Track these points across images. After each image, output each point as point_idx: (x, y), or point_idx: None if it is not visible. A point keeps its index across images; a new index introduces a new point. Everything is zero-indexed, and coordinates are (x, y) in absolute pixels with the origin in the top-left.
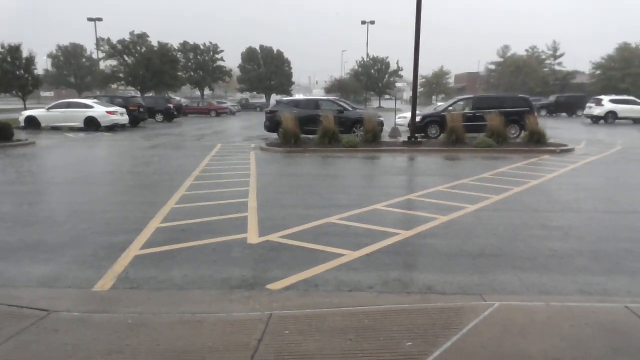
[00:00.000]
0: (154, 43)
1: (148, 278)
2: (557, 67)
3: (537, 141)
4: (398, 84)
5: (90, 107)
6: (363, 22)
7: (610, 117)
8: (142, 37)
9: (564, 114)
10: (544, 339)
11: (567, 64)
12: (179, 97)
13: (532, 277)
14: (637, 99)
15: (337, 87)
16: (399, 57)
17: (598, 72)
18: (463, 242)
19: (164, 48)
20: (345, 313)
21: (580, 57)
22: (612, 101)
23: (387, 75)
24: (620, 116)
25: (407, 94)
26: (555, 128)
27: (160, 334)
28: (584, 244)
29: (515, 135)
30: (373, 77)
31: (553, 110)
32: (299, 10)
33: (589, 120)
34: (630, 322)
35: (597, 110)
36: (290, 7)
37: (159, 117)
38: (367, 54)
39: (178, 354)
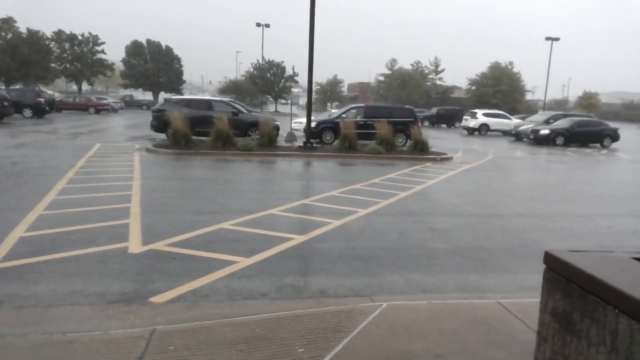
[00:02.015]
0: (23, 30)
1: (8, 295)
2: (438, 82)
3: (420, 150)
4: (294, 89)
5: None
6: (258, 25)
7: (484, 129)
8: (8, 22)
9: (444, 125)
10: (427, 336)
11: (447, 79)
12: (52, 91)
13: (416, 277)
14: (506, 114)
15: (232, 88)
16: (295, 62)
17: (473, 87)
18: (355, 245)
19: (34, 36)
20: (236, 323)
21: (459, 73)
22: (486, 115)
23: (283, 80)
24: (492, 128)
25: (303, 100)
26: (436, 138)
27: (22, 358)
28: (461, 244)
29: (402, 144)
30: (269, 80)
31: (435, 121)
32: (191, 5)
33: (465, 132)
34: (501, 317)
35: (472, 123)
36: (183, 2)
37: (28, 112)
38: (263, 57)
39: None
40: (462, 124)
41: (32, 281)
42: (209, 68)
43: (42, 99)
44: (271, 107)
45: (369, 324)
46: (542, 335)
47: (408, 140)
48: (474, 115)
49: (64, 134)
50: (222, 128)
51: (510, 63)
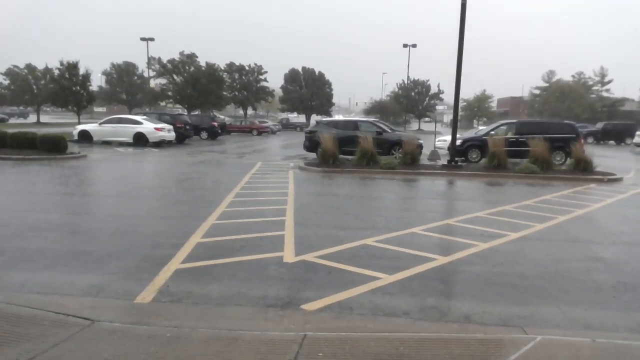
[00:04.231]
0: (202, 63)
1: (187, 292)
2: (604, 94)
3: (583, 169)
4: (438, 107)
5: (140, 123)
6: (405, 46)
7: None
8: (191, 57)
9: (612, 142)
10: None
11: (616, 90)
12: (223, 116)
13: (576, 311)
14: None
15: (376, 109)
16: (441, 78)
17: None
18: (504, 271)
19: (211, 68)
20: (380, 339)
21: (630, 83)
22: None
23: (427, 98)
24: None
25: (448, 117)
26: (602, 156)
27: (197, 349)
28: (633, 279)
29: (560, 163)
30: (413, 99)
31: (600, 137)
32: (342, 34)
33: (638, 149)
34: None
35: None
36: (334, 32)
37: (204, 134)
38: (408, 77)
39: None
40: (634, 141)
41: (206, 282)
42: (356, 90)
43: (215, 123)
44: (414, 126)
45: (521, 358)
46: None
47: (568, 159)
48: None
49: (232, 153)
50: (367, 147)
51: None
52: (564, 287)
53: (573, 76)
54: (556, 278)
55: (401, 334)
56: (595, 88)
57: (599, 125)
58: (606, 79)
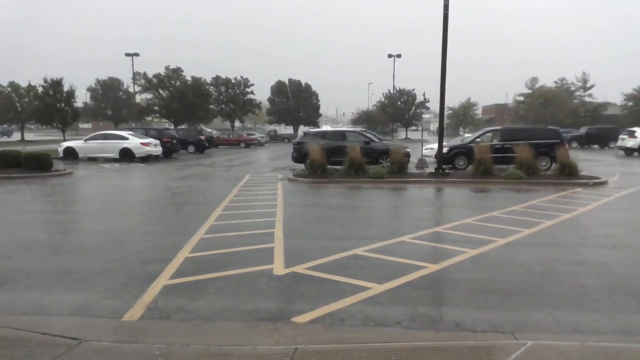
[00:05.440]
0: (188, 77)
1: (176, 308)
2: (587, 99)
3: (568, 174)
4: (425, 116)
5: (126, 138)
6: (390, 56)
7: None
8: (177, 71)
9: (595, 146)
10: None
11: (598, 95)
12: (210, 129)
13: (566, 315)
14: None
15: (363, 118)
16: (426, 88)
17: (630, 103)
18: (493, 277)
19: (197, 82)
20: (372, 349)
21: (611, 88)
22: None
23: (413, 107)
24: None
25: (434, 125)
26: (587, 160)
27: None
28: (621, 281)
29: (545, 168)
30: (399, 108)
31: (584, 142)
32: (327, 44)
33: (622, 153)
34: None
35: (630, 142)
36: (320, 42)
37: (191, 148)
38: (394, 86)
39: None
40: (618, 144)
41: (195, 297)
42: (343, 101)
43: (202, 137)
44: (401, 134)
45: None
46: None
47: (553, 164)
48: (632, 134)
49: (220, 166)
50: (355, 157)
51: None
52: (552, 291)
53: (555, 82)
54: (545, 282)
55: (393, 343)
56: (577, 93)
57: (583, 130)
58: (588, 84)
